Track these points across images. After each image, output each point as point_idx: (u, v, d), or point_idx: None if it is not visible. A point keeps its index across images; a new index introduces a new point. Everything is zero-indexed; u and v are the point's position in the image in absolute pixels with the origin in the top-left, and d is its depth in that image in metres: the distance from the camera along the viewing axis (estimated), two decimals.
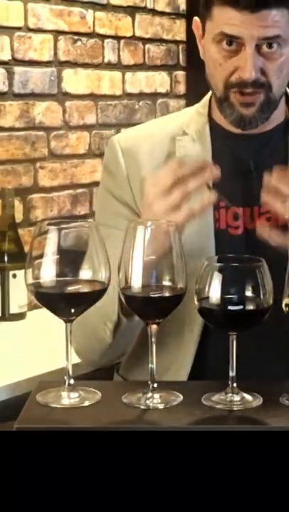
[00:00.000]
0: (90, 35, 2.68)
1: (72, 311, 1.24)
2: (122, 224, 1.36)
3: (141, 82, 2.90)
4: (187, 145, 1.57)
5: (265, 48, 1.46)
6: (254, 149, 1.56)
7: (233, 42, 1.46)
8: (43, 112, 2.53)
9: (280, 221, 1.52)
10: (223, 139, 1.58)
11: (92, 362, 1.61)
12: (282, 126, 1.59)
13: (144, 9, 2.89)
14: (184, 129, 1.59)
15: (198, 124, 1.60)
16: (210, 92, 1.62)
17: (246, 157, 1.56)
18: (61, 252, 1.22)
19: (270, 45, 1.46)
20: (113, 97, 2.78)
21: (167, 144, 1.58)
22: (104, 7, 2.72)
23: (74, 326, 1.48)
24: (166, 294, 1.23)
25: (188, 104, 3.01)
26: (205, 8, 1.49)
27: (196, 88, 2.92)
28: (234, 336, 1.23)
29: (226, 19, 1.45)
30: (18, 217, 2.42)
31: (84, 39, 2.66)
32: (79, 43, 2.64)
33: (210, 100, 1.61)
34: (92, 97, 2.70)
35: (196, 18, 1.56)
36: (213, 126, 1.59)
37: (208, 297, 1.22)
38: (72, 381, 1.25)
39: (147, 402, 1.23)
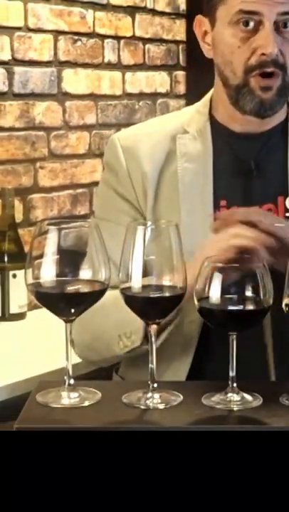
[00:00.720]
0: (90, 35, 2.68)
1: (72, 311, 1.24)
2: (125, 221, 1.36)
3: (141, 82, 2.90)
4: (188, 143, 1.57)
5: (281, 28, 1.47)
6: (255, 148, 1.56)
7: (249, 22, 1.46)
8: (43, 111, 2.53)
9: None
10: (224, 138, 1.57)
11: (92, 361, 1.61)
12: (282, 125, 1.59)
13: (144, 9, 2.89)
14: (184, 128, 1.59)
15: (199, 122, 1.59)
16: (211, 91, 1.61)
17: (247, 156, 1.56)
18: (61, 252, 1.22)
19: (285, 25, 1.47)
20: (113, 97, 2.78)
21: (168, 143, 1.58)
22: (104, 7, 2.72)
23: (81, 325, 1.48)
24: (166, 294, 1.23)
25: (188, 104, 3.00)
26: None
27: (196, 88, 2.92)
28: (234, 336, 1.23)
29: None
30: (18, 217, 2.42)
31: (84, 39, 2.66)
32: (79, 43, 2.64)
33: (211, 99, 1.61)
34: (92, 97, 2.70)
35: (198, 17, 1.56)
36: (215, 124, 1.59)
37: (208, 297, 1.22)
38: (72, 381, 1.24)
39: (147, 402, 1.22)
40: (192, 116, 1.61)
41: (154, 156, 1.58)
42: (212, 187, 1.55)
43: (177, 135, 1.58)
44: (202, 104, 1.62)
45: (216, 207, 1.54)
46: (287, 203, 1.54)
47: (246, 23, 1.47)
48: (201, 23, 1.55)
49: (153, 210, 1.56)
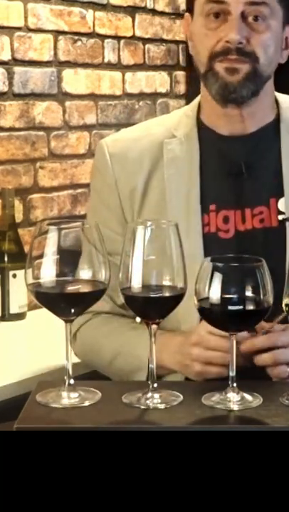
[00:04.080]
0: (90, 35, 2.68)
1: (72, 311, 1.24)
2: (106, 235, 1.35)
3: (141, 82, 2.89)
4: (175, 148, 1.57)
5: (250, 20, 1.48)
6: (245, 150, 1.55)
7: (220, 14, 1.48)
8: (43, 112, 2.53)
9: (273, 222, 1.52)
10: (212, 141, 1.57)
11: (92, 368, 1.63)
12: (272, 126, 1.58)
13: (144, 9, 2.89)
14: (172, 132, 1.59)
15: (187, 126, 1.59)
16: (199, 96, 1.62)
17: (237, 159, 1.55)
18: (61, 252, 1.22)
19: (255, 18, 1.48)
20: (113, 97, 2.78)
21: (156, 149, 1.58)
22: (104, 7, 2.72)
23: (84, 347, 1.53)
24: (166, 294, 1.23)
25: (188, 104, 3.01)
26: None
27: (196, 88, 2.90)
28: (234, 336, 1.23)
29: None
30: (18, 217, 2.42)
31: (84, 39, 2.66)
32: (79, 43, 2.64)
33: (199, 103, 1.61)
34: (92, 97, 2.70)
35: (186, 14, 1.58)
36: (202, 128, 1.58)
37: (208, 297, 1.21)
38: (72, 381, 1.25)
39: (147, 402, 1.23)
40: (180, 120, 1.61)
41: (142, 163, 1.58)
42: (199, 191, 1.54)
43: (164, 140, 1.58)
44: (190, 108, 1.62)
45: (205, 211, 1.53)
46: (279, 205, 1.54)
47: (216, 15, 1.49)
48: (187, 20, 1.57)
49: (139, 217, 1.56)
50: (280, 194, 1.54)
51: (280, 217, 1.53)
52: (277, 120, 1.58)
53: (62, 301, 1.24)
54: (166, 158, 1.56)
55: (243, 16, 1.47)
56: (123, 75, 2.82)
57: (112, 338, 1.55)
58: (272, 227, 1.53)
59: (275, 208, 1.53)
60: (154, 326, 1.24)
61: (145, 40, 2.90)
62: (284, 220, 1.53)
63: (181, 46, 3.05)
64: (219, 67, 1.49)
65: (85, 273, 1.23)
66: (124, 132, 1.71)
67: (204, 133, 1.58)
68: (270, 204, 1.54)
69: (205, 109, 1.58)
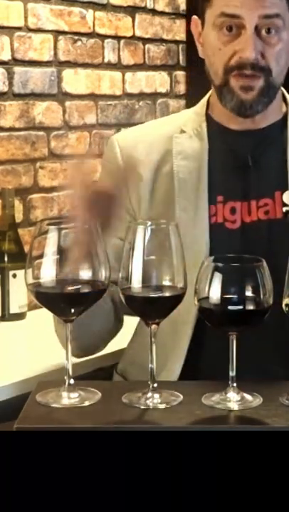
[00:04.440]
0: (90, 35, 2.67)
1: (72, 311, 1.24)
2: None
3: (141, 82, 2.89)
4: (184, 142, 1.59)
5: (264, 33, 1.49)
6: (252, 144, 1.57)
7: (232, 27, 1.48)
8: (43, 112, 2.53)
9: (277, 214, 1.54)
10: (220, 135, 1.59)
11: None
12: (280, 122, 1.60)
13: (144, 9, 2.89)
14: (181, 128, 1.62)
15: (196, 122, 1.62)
16: (208, 93, 1.63)
17: (244, 152, 1.57)
18: (61, 252, 1.22)
19: (268, 30, 1.49)
20: (113, 97, 2.78)
21: (164, 143, 1.60)
22: (104, 7, 2.72)
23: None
24: (166, 294, 1.22)
25: (188, 104, 3.01)
26: None
27: (196, 88, 2.91)
28: (234, 336, 1.23)
29: (226, 1, 1.48)
30: (18, 217, 2.42)
31: (84, 39, 2.65)
32: (79, 43, 2.64)
33: (208, 100, 1.62)
34: (92, 97, 2.70)
35: (194, 17, 1.58)
36: (211, 123, 1.61)
37: (208, 297, 1.21)
38: (72, 381, 1.24)
39: (147, 402, 1.22)
40: (189, 118, 1.63)
41: (150, 156, 1.60)
42: (207, 183, 1.56)
43: (174, 135, 1.60)
44: (199, 106, 1.65)
45: (213, 202, 1.55)
46: (284, 197, 1.56)
47: (230, 28, 1.49)
48: (196, 23, 1.58)
49: (148, 210, 1.57)
50: (285, 187, 1.56)
51: (285, 209, 1.55)
52: (285, 117, 1.61)
53: (62, 301, 1.24)
54: (175, 151, 1.59)
55: (257, 30, 1.48)
56: (123, 75, 2.82)
57: None
58: (276, 219, 1.55)
59: (280, 201, 1.56)
60: (153, 326, 1.24)
61: (145, 40, 2.90)
62: (288, 212, 1.55)
63: (181, 46, 3.04)
64: (234, 83, 1.51)
65: (85, 273, 1.23)
66: (134, 128, 1.75)
67: (213, 127, 1.60)
68: (275, 196, 1.56)
69: (215, 107, 1.60)
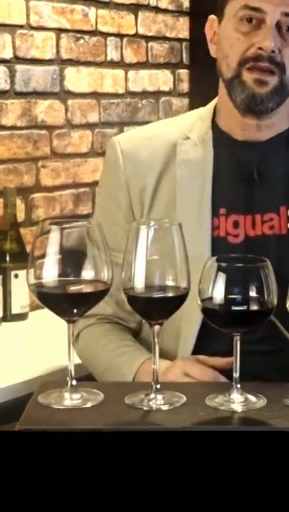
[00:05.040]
0: (92, 33, 2.67)
1: (75, 311, 1.23)
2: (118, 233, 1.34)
3: (144, 80, 2.88)
4: (189, 149, 1.56)
5: (284, 31, 1.48)
6: (258, 157, 1.55)
7: (253, 19, 1.48)
8: (45, 110, 2.52)
9: (282, 229, 1.52)
10: (226, 146, 1.56)
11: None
12: (286, 134, 1.58)
13: (147, 7, 2.88)
14: (186, 134, 1.59)
15: (202, 129, 1.59)
16: (215, 99, 1.61)
17: (249, 165, 1.54)
18: (63, 251, 1.21)
19: (288, 28, 1.48)
20: (116, 95, 2.77)
21: (168, 149, 1.57)
22: (106, 5, 2.71)
23: (83, 353, 1.60)
24: (170, 295, 1.21)
25: (192, 103, 3.00)
26: None
27: (199, 86, 2.91)
28: (238, 337, 1.22)
29: None
30: (20, 216, 2.41)
31: (86, 37, 2.65)
32: (81, 41, 2.63)
33: (215, 107, 1.60)
34: (95, 95, 2.69)
35: (211, 17, 1.57)
36: (217, 132, 1.58)
37: (211, 297, 1.21)
38: (74, 382, 1.24)
39: (150, 403, 1.22)
40: (194, 123, 1.60)
41: (153, 163, 1.57)
42: (210, 194, 1.54)
43: (178, 141, 1.57)
44: (205, 111, 1.62)
45: (215, 214, 1.53)
46: None
47: (250, 20, 1.48)
48: (212, 23, 1.56)
49: (148, 217, 1.55)
50: None
51: None
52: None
53: (64, 302, 1.24)
54: (178, 159, 1.56)
55: (278, 26, 1.48)
56: (126, 73, 2.81)
57: (106, 352, 1.57)
58: (281, 235, 1.53)
59: (286, 216, 1.53)
60: (156, 327, 1.23)
61: (148, 38, 2.89)
62: None
63: (184, 44, 3.03)
64: (247, 76, 1.49)
65: (87, 273, 1.22)
66: (137, 130, 1.72)
67: (218, 136, 1.57)
68: (281, 212, 1.54)
69: (222, 114, 1.58)
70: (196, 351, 1.51)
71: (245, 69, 1.49)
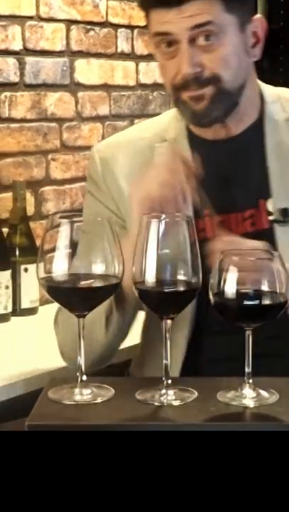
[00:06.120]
0: (102, 24, 2.65)
1: (85, 305, 1.22)
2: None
3: (155, 72, 2.86)
4: (166, 152, 1.55)
5: (201, 41, 1.45)
6: (230, 154, 1.53)
7: (171, 44, 1.46)
8: (55, 102, 2.51)
9: (264, 224, 1.50)
10: (198, 146, 1.55)
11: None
12: (256, 125, 1.55)
13: None
14: (163, 136, 1.58)
15: (176, 130, 1.58)
16: None
17: (223, 163, 1.53)
18: (73, 245, 1.20)
19: (206, 38, 1.45)
20: (126, 87, 2.76)
21: (145, 154, 1.56)
22: None
23: (61, 330, 1.49)
24: (181, 289, 1.20)
25: None
26: (145, 17, 1.51)
27: None
28: (250, 331, 1.21)
29: (157, 19, 1.46)
30: (30, 210, 2.40)
31: (97, 28, 2.63)
32: (92, 33, 2.61)
33: None
34: (105, 87, 2.68)
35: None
36: (190, 133, 1.57)
37: (223, 291, 1.19)
38: (84, 377, 1.23)
39: (161, 398, 1.21)
40: (170, 123, 1.60)
41: (131, 168, 1.56)
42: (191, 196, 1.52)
43: (155, 144, 1.56)
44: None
45: (200, 217, 1.51)
46: (268, 205, 1.52)
47: (168, 44, 1.47)
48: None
49: (130, 225, 1.52)
50: (268, 195, 1.52)
51: (270, 218, 1.52)
52: (260, 118, 1.55)
53: (74, 296, 1.23)
54: (156, 161, 1.52)
55: (193, 41, 1.44)
56: (137, 65, 2.79)
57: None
58: (263, 230, 1.52)
59: (265, 210, 1.52)
60: (168, 321, 1.22)
61: None
62: (273, 222, 1.52)
63: None
64: (185, 95, 1.48)
65: (97, 267, 1.21)
66: (115, 136, 1.71)
67: (191, 137, 1.57)
68: (260, 206, 1.53)
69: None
70: (189, 345, 1.51)
71: (180, 92, 1.48)
